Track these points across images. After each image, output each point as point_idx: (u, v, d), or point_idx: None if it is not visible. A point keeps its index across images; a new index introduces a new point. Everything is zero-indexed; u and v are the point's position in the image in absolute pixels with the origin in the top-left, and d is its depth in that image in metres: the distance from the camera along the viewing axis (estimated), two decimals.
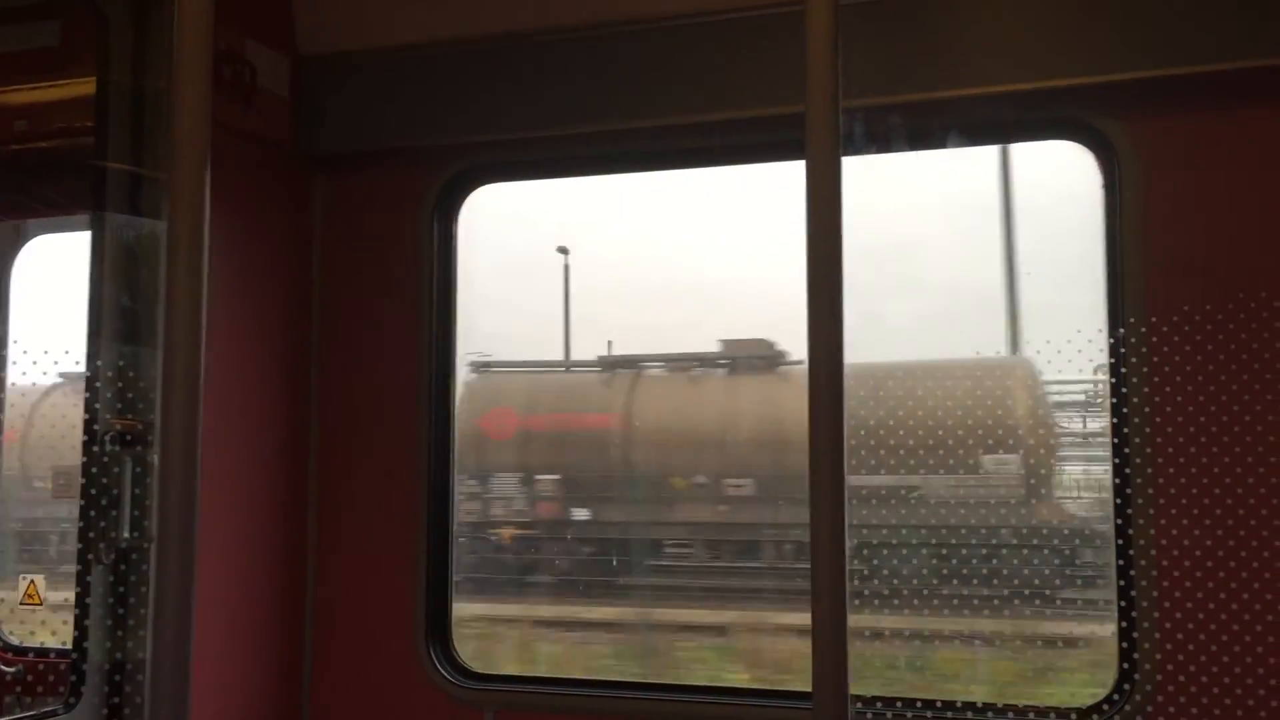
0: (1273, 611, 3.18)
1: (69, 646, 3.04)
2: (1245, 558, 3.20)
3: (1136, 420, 3.31)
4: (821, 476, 2.16)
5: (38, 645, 3.68)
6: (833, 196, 2.22)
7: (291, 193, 4.19)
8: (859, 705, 3.44)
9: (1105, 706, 3.35)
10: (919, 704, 3.42)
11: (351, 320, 4.21)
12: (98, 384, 3.03)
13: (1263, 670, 3.17)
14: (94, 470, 2.99)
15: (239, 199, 3.85)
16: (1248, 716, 3.16)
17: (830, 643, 2.16)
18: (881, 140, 3.55)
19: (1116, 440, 3.36)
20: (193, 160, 2.21)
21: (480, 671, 4.07)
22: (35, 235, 4.37)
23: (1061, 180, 3.89)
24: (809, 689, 2.19)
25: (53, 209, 4.10)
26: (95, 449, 3.00)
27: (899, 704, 3.38)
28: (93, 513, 2.98)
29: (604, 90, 3.84)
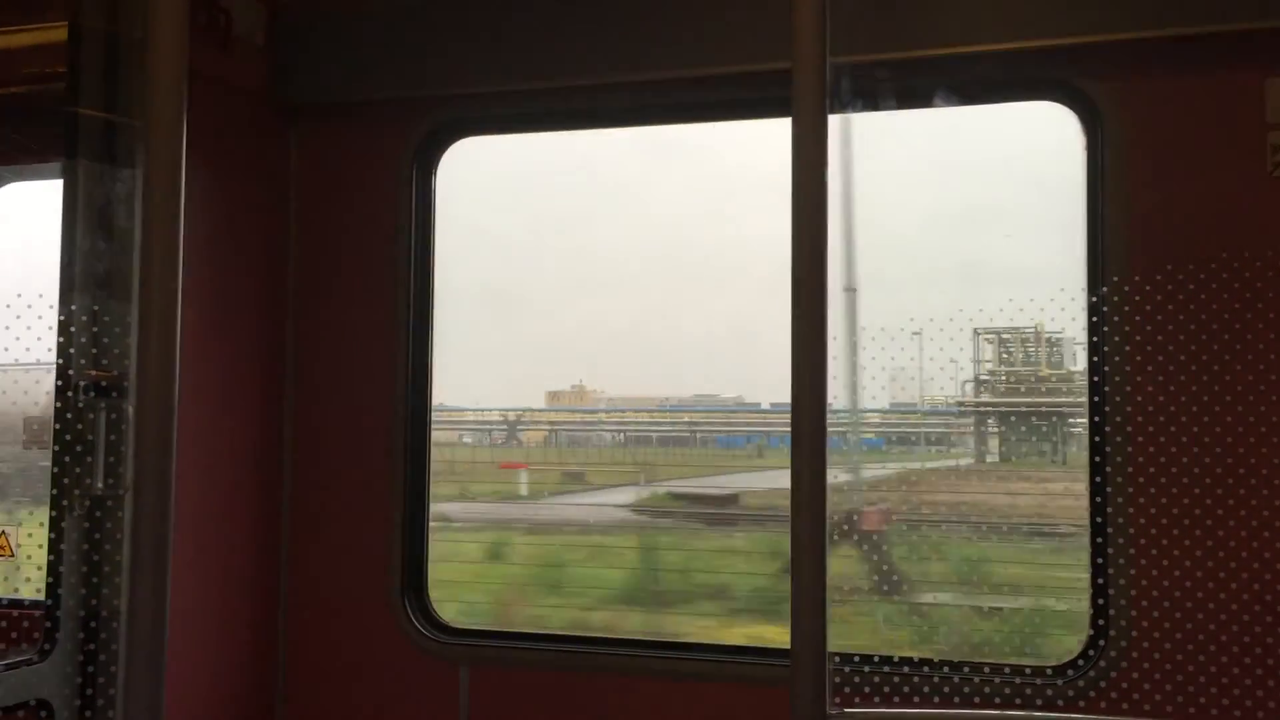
0: (1248, 569, 3.21)
1: (43, 596, 3.02)
2: (1222, 516, 3.23)
3: (1117, 379, 3.33)
4: (803, 443, 2.17)
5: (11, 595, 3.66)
6: (818, 153, 2.22)
7: (268, 143, 4.14)
8: (837, 660, 3.46)
9: (1080, 662, 3.38)
10: (896, 660, 3.45)
11: (329, 272, 4.18)
12: (72, 329, 3.00)
13: (1237, 627, 3.21)
14: (68, 417, 2.96)
15: (215, 148, 3.80)
16: (1221, 672, 3.20)
17: (810, 602, 2.18)
18: (868, 98, 3.53)
19: (1096, 399, 3.38)
20: (169, 107, 2.18)
21: (456, 627, 4.08)
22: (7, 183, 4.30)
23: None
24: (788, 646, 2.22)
25: (25, 156, 4.03)
26: (69, 395, 2.97)
27: (876, 659, 3.41)
28: (67, 459, 2.95)
29: (586, 44, 3.80)
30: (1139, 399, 3.31)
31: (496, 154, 4.38)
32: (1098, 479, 3.36)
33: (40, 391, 3.09)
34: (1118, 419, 3.33)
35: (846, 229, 3.62)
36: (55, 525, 2.97)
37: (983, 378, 4.83)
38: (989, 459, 5.00)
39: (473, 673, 3.94)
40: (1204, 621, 3.23)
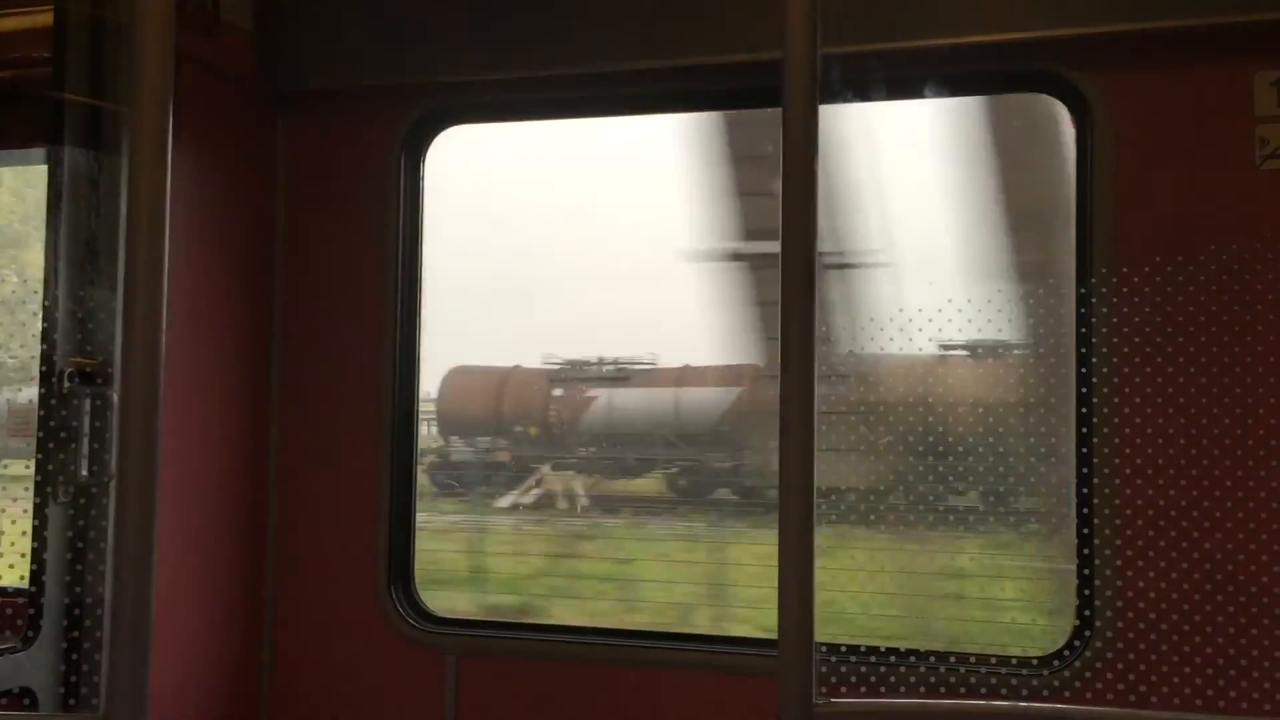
0: (1233, 560, 3.22)
1: (27, 584, 3.01)
2: (1208, 508, 3.24)
3: (1105, 369, 3.33)
4: (791, 431, 2.17)
5: None
6: (809, 144, 2.21)
7: (256, 130, 4.11)
8: (824, 650, 3.46)
9: (1066, 652, 3.39)
10: (882, 650, 3.45)
11: (317, 261, 4.16)
12: (56, 315, 2.98)
13: (1222, 617, 3.22)
14: (52, 404, 2.94)
15: (201, 134, 3.77)
16: (1206, 663, 3.21)
17: (797, 592, 2.17)
18: (859, 89, 3.52)
19: (1084, 389, 3.38)
20: (154, 93, 2.16)
21: (443, 616, 4.07)
22: None
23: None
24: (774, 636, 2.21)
25: (10, 141, 4.01)
26: (54, 383, 2.95)
27: (863, 650, 3.41)
28: (51, 446, 2.94)
29: (576, 33, 3.79)
30: (1126, 390, 3.31)
31: (530, 142, 4.39)
32: (1084, 469, 3.37)
33: (24, 378, 3.08)
34: (1105, 410, 3.33)
35: None
36: (39, 513, 2.96)
37: None
38: None
39: (460, 662, 3.93)
40: (1190, 612, 3.24)
